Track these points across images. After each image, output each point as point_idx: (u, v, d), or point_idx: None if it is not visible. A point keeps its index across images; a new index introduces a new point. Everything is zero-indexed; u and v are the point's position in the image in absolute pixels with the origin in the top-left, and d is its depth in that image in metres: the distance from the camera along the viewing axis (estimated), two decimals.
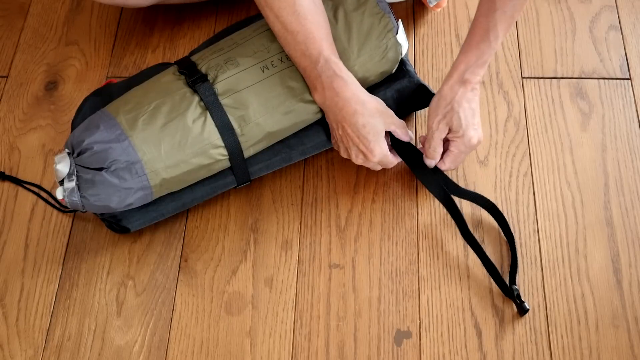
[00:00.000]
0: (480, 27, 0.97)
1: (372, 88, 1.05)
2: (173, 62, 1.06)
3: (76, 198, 0.94)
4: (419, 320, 0.97)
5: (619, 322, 0.96)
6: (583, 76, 1.15)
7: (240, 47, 1.00)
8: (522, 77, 1.16)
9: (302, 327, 0.97)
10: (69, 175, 0.93)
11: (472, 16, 1.21)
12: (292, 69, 0.99)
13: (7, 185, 1.10)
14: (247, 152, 1.00)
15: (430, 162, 1.03)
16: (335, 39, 1.01)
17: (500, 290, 0.98)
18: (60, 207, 1.06)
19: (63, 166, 0.93)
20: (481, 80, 1.00)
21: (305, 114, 1.01)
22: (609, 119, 1.11)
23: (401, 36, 1.04)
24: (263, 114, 0.98)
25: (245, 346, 0.97)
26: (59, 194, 0.95)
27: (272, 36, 1.01)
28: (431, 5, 1.20)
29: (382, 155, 1.00)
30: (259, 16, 1.06)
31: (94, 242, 1.05)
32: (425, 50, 1.19)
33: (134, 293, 1.01)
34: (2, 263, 1.03)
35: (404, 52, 1.06)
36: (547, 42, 1.19)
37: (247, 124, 0.97)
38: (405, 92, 1.07)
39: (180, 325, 0.98)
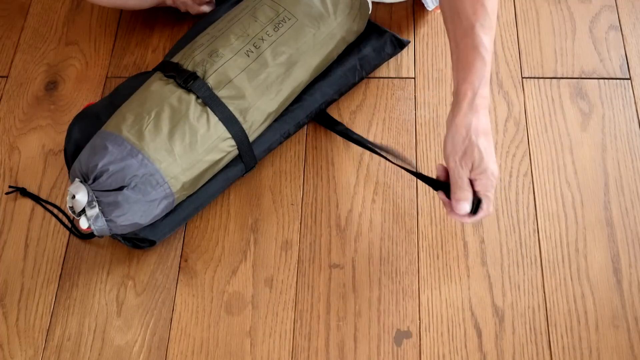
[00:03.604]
0: (467, 47, 0.89)
1: (348, 48, 1.10)
2: (151, 69, 1.06)
3: (102, 223, 0.93)
4: (419, 320, 0.97)
5: (619, 322, 0.96)
6: (583, 76, 1.15)
7: (220, 38, 1.01)
8: (522, 77, 1.16)
9: (302, 327, 0.97)
10: (89, 203, 0.92)
11: None
12: (274, 46, 1.01)
13: (7, 184, 1.10)
14: (252, 137, 1.01)
15: (464, 207, 0.90)
16: (310, 3, 1.03)
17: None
18: (78, 233, 1.04)
19: (82, 196, 0.92)
20: (489, 100, 0.91)
21: (297, 84, 1.03)
22: (609, 119, 1.11)
23: None
24: (260, 96, 0.99)
25: (245, 346, 0.97)
26: (83, 223, 0.93)
27: (247, 21, 1.02)
28: (430, 10, 1.20)
29: None
30: (225, 9, 1.10)
31: (94, 242, 1.05)
32: (425, 50, 1.19)
33: (134, 293, 1.01)
34: (2, 263, 1.03)
35: (369, 10, 1.11)
36: (547, 42, 1.19)
37: (248, 110, 0.98)
38: (377, 46, 1.12)
39: (180, 325, 0.98)
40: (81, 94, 1.17)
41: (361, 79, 1.13)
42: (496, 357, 0.94)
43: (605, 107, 1.12)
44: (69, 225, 1.05)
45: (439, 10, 1.21)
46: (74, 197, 0.92)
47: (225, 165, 1.01)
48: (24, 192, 1.08)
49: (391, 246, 1.02)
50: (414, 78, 1.16)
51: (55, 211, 1.06)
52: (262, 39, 1.01)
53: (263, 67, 0.99)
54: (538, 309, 0.97)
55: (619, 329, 0.96)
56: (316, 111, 1.09)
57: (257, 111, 0.99)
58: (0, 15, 1.28)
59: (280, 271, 1.01)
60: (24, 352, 0.97)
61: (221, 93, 0.97)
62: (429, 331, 0.96)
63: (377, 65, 1.14)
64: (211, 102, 0.97)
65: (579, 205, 1.04)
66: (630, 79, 1.15)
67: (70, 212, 0.94)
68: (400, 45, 1.13)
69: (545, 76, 1.15)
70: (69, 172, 0.99)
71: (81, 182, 0.93)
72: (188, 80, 0.97)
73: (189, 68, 0.99)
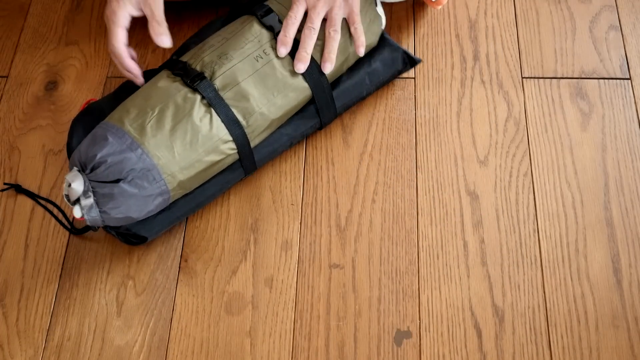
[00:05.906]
0: None
1: (358, 62, 1.09)
2: (151, 68, 1.06)
3: (96, 214, 0.93)
4: (419, 320, 0.97)
5: (619, 322, 0.96)
6: (583, 76, 1.15)
7: (231, 40, 1.01)
8: (522, 77, 1.16)
9: (302, 327, 0.98)
10: (85, 192, 0.92)
11: (472, 16, 1.21)
12: None
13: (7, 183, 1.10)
14: (253, 142, 1.01)
15: (283, 51, 1.01)
16: None
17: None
18: (72, 229, 1.04)
19: (78, 185, 0.92)
20: None
21: (302, 96, 1.03)
22: (609, 119, 1.11)
23: (380, 8, 1.08)
24: (265, 103, 0.99)
25: (245, 346, 0.97)
26: (77, 212, 0.93)
27: (259, 26, 1.02)
28: (433, 0, 1.19)
29: (112, 48, 1.01)
30: (240, 11, 1.08)
31: (94, 242, 1.05)
32: (425, 50, 1.19)
33: (134, 293, 1.01)
34: (2, 263, 1.03)
35: (383, 24, 1.09)
36: (547, 42, 1.19)
37: (251, 115, 0.98)
38: (388, 62, 1.10)
39: (180, 325, 0.98)
40: (81, 94, 1.17)
41: (369, 94, 1.11)
42: (496, 357, 0.94)
43: (605, 107, 1.12)
44: (64, 222, 1.05)
45: (439, 6, 1.21)
46: (70, 185, 0.92)
47: (225, 168, 1.01)
48: (19, 189, 1.08)
49: (391, 246, 1.02)
50: (414, 78, 1.16)
51: (51, 207, 1.06)
52: (272, 47, 1.01)
53: (270, 75, 0.99)
54: (538, 309, 0.97)
55: (619, 329, 0.96)
56: (321, 123, 1.08)
57: (261, 117, 0.99)
58: (0, 15, 1.28)
59: (280, 271, 1.01)
60: (24, 352, 0.97)
61: (227, 95, 0.97)
62: (429, 331, 0.96)
63: (386, 81, 1.12)
64: (216, 103, 0.97)
65: (579, 205, 1.04)
66: (630, 79, 1.15)
67: (65, 200, 0.94)
68: (412, 62, 1.12)
69: (545, 76, 1.15)
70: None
71: (79, 171, 0.93)
72: (195, 80, 0.97)
73: (197, 68, 0.99)
